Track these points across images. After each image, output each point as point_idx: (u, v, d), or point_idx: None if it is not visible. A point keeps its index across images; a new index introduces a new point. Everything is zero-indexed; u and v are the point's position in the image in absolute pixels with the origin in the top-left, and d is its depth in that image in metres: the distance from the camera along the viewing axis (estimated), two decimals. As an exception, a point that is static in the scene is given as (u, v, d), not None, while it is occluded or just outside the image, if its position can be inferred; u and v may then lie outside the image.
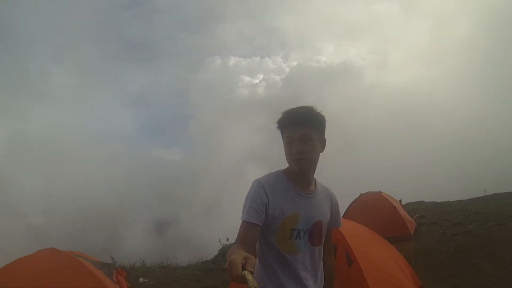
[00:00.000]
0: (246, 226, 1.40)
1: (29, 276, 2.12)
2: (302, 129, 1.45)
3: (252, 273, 1.04)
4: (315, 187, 1.57)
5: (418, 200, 11.96)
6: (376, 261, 3.32)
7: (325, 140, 1.52)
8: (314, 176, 1.57)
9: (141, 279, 6.41)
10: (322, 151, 1.51)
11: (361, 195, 7.78)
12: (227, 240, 7.95)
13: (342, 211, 7.36)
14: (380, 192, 7.58)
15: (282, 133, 1.53)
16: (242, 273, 1.02)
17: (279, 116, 1.53)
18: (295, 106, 1.54)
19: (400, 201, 12.59)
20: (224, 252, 7.18)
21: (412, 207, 10.08)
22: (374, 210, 6.97)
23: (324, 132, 1.51)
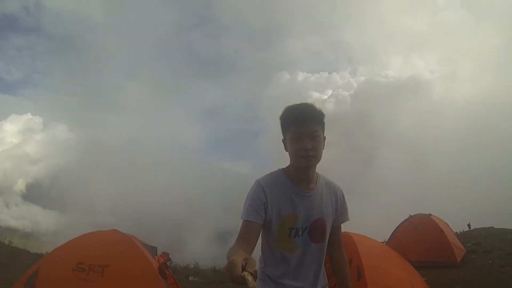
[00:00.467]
0: (246, 224, 1.44)
1: (93, 246, 2.89)
2: (312, 126, 1.46)
3: (252, 274, 1.05)
4: (315, 184, 1.57)
5: (487, 226, 10.83)
6: (387, 280, 3.43)
7: (325, 138, 1.52)
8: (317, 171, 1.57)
9: (190, 278, 7.16)
10: (323, 148, 1.51)
11: (410, 216, 7.58)
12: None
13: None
14: (430, 215, 7.36)
15: (287, 129, 1.51)
16: (242, 274, 1.03)
17: (283, 115, 1.53)
18: (297, 103, 1.55)
19: (469, 225, 11.56)
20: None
21: (476, 233, 9.28)
22: (421, 233, 6.85)
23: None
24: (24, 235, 37.52)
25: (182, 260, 9.19)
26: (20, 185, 47.96)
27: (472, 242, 7.75)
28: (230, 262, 1.06)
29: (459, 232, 11.05)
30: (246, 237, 1.40)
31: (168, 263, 2.97)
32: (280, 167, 1.58)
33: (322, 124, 1.50)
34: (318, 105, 1.51)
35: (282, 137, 1.55)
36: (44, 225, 41.77)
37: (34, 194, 46.89)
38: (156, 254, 3.14)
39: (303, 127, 1.45)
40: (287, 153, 1.54)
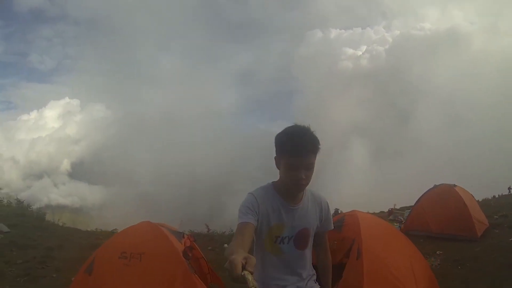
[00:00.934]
0: (242, 226, 1.58)
1: (132, 238, 3.59)
2: (307, 158, 1.57)
3: (252, 273, 1.07)
4: (301, 199, 1.75)
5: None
6: (385, 260, 3.65)
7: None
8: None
9: (225, 245, 7.98)
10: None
11: (435, 186, 7.58)
12: (338, 211, 8.14)
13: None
14: (455, 186, 7.26)
15: (282, 155, 1.62)
16: (242, 273, 1.05)
17: (279, 138, 1.63)
18: (293, 128, 1.62)
19: (510, 188, 11.10)
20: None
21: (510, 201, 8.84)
22: (443, 204, 6.85)
23: None
24: (73, 210, 41.18)
25: (221, 226, 9.57)
26: (65, 165, 51.73)
27: (500, 214, 7.55)
28: (230, 261, 1.10)
29: (497, 196, 10.70)
30: (242, 236, 1.52)
31: (192, 243, 3.64)
32: (270, 181, 1.77)
33: (317, 153, 1.61)
34: (313, 130, 1.61)
35: (275, 155, 1.67)
36: (90, 199, 45.19)
37: (79, 172, 50.20)
38: (183, 237, 3.83)
39: (299, 159, 1.56)
40: (278, 170, 1.68)
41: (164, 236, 3.46)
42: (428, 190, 7.44)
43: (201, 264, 4.18)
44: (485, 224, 6.71)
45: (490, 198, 10.61)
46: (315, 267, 1.97)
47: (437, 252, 5.81)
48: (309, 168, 1.60)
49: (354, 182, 34.18)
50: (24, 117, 64.25)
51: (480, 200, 10.35)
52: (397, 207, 10.27)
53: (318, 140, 1.61)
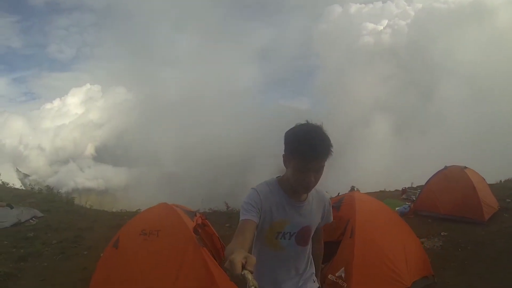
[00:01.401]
0: (244, 223, 1.56)
1: (150, 218, 4.16)
2: (319, 162, 1.54)
3: (252, 272, 1.07)
4: (306, 196, 1.73)
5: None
6: (377, 240, 3.97)
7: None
8: None
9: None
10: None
11: (445, 167, 7.66)
12: (355, 189, 8.10)
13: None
14: (465, 167, 7.30)
15: (292, 156, 1.57)
16: (242, 273, 1.05)
17: (290, 138, 1.56)
18: (304, 128, 1.54)
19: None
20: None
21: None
22: (453, 186, 6.91)
23: None
24: (99, 192, 43.11)
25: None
26: (89, 149, 53.94)
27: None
28: (230, 260, 1.10)
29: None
30: (243, 234, 1.49)
31: (201, 222, 4.17)
32: (275, 177, 1.76)
33: (329, 156, 1.55)
34: (326, 130, 1.55)
35: (283, 153, 1.62)
36: (115, 181, 46.75)
37: (103, 155, 52.07)
38: (195, 216, 4.34)
39: (309, 163, 1.52)
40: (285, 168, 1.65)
41: (178, 215, 4.03)
42: (438, 172, 7.56)
43: (214, 240, 4.77)
44: (495, 208, 6.76)
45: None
46: None
47: (442, 234, 5.98)
48: (319, 171, 1.58)
49: (376, 159, 33.69)
50: (48, 106, 67.83)
51: (502, 181, 10.24)
52: (414, 185, 10.38)
53: (330, 142, 1.54)
